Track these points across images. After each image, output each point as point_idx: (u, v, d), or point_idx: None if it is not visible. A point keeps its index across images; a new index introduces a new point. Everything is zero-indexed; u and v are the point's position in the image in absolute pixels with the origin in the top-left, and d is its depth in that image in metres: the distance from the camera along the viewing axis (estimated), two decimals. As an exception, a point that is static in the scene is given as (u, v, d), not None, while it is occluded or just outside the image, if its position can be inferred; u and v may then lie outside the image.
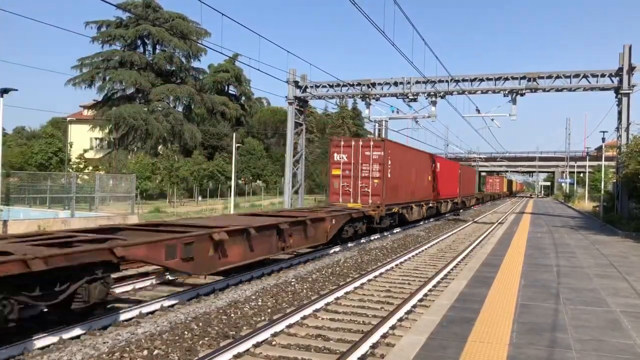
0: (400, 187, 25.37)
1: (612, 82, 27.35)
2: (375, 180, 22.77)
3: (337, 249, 18.40)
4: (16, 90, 19.33)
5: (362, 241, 21.01)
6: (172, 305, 9.95)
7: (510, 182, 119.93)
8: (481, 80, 29.49)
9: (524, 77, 28.55)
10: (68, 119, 69.35)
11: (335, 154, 23.40)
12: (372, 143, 23.27)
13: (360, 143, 23.25)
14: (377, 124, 34.03)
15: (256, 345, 7.71)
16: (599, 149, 52.73)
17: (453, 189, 40.28)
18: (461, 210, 45.45)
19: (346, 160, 23.06)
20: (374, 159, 22.78)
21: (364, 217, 20.61)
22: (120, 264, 9.16)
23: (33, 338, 7.51)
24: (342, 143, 23.62)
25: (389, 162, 23.59)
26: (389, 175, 23.51)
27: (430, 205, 32.85)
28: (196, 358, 7.05)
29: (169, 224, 12.96)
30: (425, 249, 19.70)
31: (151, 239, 9.47)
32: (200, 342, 7.87)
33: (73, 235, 9.66)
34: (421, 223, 31.40)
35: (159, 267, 11.24)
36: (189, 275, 11.84)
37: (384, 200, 22.71)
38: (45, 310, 8.30)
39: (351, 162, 22.96)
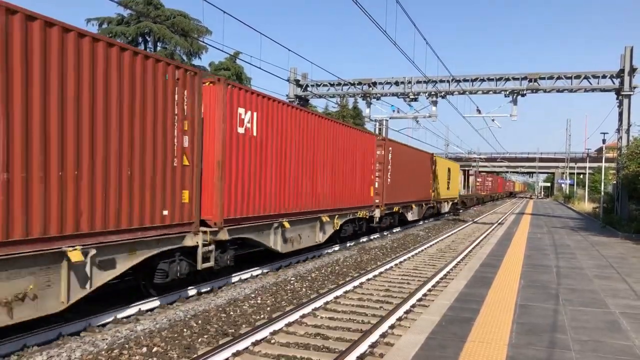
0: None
1: (613, 83, 27.33)
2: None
3: (336, 247, 18.40)
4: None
5: (361, 240, 21.01)
6: (172, 303, 9.95)
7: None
8: (482, 80, 29.49)
9: (525, 78, 28.54)
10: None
11: None
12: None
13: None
14: (377, 124, 34.04)
15: (255, 344, 7.71)
16: (599, 150, 52.77)
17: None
18: (461, 210, 45.68)
19: None
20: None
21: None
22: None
23: (32, 334, 7.50)
24: None
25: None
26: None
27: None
28: (195, 355, 7.05)
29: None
30: (425, 248, 19.71)
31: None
32: (200, 340, 7.88)
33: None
34: (420, 223, 31.41)
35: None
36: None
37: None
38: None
39: None
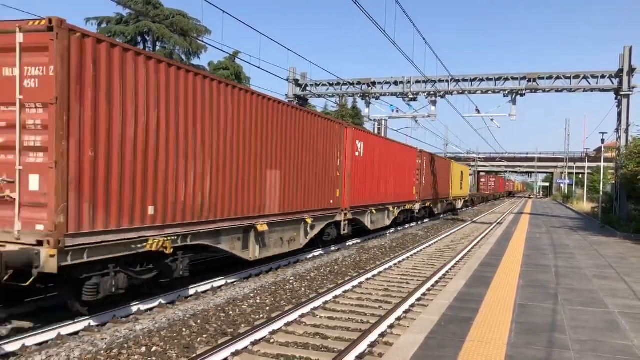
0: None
1: (612, 83, 27.35)
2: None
3: (345, 244, 18.50)
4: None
5: (360, 240, 21.04)
6: (171, 302, 9.95)
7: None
8: (481, 80, 29.50)
9: (524, 78, 28.56)
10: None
11: None
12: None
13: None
14: (376, 123, 34.06)
15: (254, 343, 7.70)
16: (598, 150, 52.80)
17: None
18: (469, 207, 46.83)
19: None
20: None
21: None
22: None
23: (30, 334, 7.50)
24: None
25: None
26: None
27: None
28: (194, 355, 7.04)
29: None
30: (424, 248, 19.71)
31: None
32: (199, 340, 7.87)
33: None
34: (420, 223, 31.41)
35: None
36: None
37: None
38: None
39: None
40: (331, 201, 16.80)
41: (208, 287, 11.24)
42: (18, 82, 7.32)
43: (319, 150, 15.78)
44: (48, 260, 7.11)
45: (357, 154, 18.52)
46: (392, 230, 25.07)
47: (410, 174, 27.13)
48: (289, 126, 13.83)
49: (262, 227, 12.49)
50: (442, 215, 37.75)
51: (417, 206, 28.34)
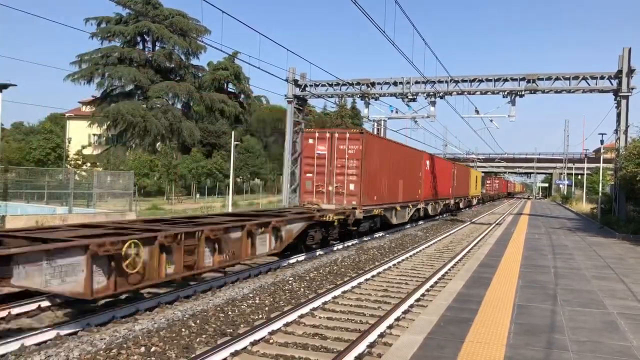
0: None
1: (612, 84, 27.36)
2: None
3: (345, 245, 18.53)
4: (15, 85, 19.30)
5: (358, 241, 21.03)
6: (170, 302, 9.95)
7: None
8: (480, 80, 29.49)
9: (523, 79, 28.56)
10: (66, 115, 69.25)
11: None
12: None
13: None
14: (375, 124, 34.05)
15: (253, 343, 7.71)
16: (598, 151, 52.82)
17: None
18: (475, 205, 50.16)
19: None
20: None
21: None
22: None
23: (30, 334, 7.50)
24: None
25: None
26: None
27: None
28: (193, 355, 7.04)
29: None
30: (423, 249, 19.72)
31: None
32: (198, 340, 7.87)
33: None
34: (419, 223, 31.42)
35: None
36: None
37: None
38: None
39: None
40: (417, 197, 28.78)
41: (207, 287, 11.25)
42: (346, 150, 19.64)
43: (414, 168, 28.26)
44: (358, 214, 19.14)
45: (426, 168, 31.12)
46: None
47: (449, 180, 39.38)
48: (404, 156, 26.38)
49: (397, 208, 24.63)
50: (442, 215, 40.36)
51: (451, 201, 40.88)
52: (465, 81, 29.70)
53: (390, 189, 23.57)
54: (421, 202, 29.72)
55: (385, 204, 22.83)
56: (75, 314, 8.87)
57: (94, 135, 66.04)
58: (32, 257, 7.29)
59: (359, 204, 19.60)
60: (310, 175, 20.26)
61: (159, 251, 9.35)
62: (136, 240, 8.73)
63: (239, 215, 15.75)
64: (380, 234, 23.68)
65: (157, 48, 62.57)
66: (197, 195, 49.98)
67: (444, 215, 40.33)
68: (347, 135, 20.18)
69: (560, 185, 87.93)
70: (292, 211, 17.56)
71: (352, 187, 19.76)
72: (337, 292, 11.25)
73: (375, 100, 31.80)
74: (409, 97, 30.31)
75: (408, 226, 28.90)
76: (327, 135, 20.19)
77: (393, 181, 24.02)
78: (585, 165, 58.74)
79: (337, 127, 53.20)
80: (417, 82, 30.25)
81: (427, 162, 31.52)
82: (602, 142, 34.13)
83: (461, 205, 47.73)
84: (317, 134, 20.46)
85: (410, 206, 27.38)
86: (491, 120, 31.14)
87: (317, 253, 16.99)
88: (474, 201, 59.49)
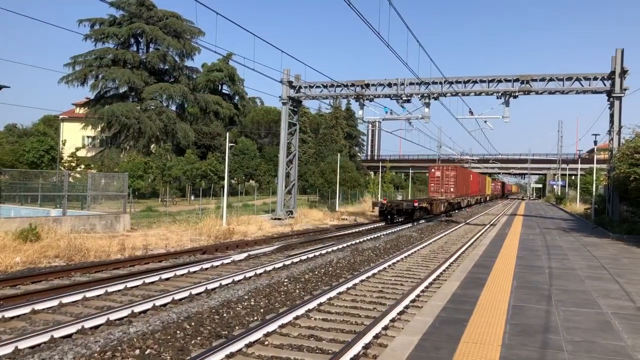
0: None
1: (605, 85, 27.51)
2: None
3: (339, 246, 18.49)
4: (8, 87, 19.23)
5: (354, 242, 21.09)
6: (165, 305, 9.92)
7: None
8: (474, 82, 29.61)
9: (517, 80, 28.69)
10: (60, 116, 68.92)
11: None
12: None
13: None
14: (370, 125, 34.19)
15: (249, 345, 7.69)
16: (591, 151, 53.02)
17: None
18: (456, 211, 50.09)
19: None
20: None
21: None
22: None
23: (23, 337, 7.45)
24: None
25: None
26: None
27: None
28: (188, 358, 7.02)
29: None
30: (418, 250, 19.74)
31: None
32: (193, 342, 7.85)
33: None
34: (414, 224, 31.53)
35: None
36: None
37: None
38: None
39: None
40: (469, 193, 51.40)
41: (202, 289, 11.22)
42: (449, 174, 45.47)
43: (468, 180, 51.92)
44: (452, 200, 45.05)
45: (471, 179, 54.85)
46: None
47: (477, 184, 61.73)
48: (466, 174, 52.04)
49: (464, 199, 50.64)
50: (415, 223, 41.49)
51: (479, 197, 65.15)
52: (460, 82, 29.80)
53: (462, 189, 48.22)
54: (469, 197, 55.21)
55: (460, 197, 48.02)
56: (70, 317, 8.83)
57: (88, 137, 65.78)
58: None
59: (453, 196, 44.95)
60: (433, 185, 45.72)
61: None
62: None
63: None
64: (376, 235, 23.74)
65: (151, 50, 62.37)
66: (192, 197, 49.85)
67: (442, 216, 40.52)
68: (449, 167, 46.64)
69: (554, 186, 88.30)
70: (427, 198, 41.11)
71: (452, 188, 45.04)
72: (333, 294, 11.24)
73: (370, 101, 31.88)
74: (404, 98, 30.40)
75: (406, 227, 28.96)
76: (441, 167, 46.73)
77: (463, 186, 49.48)
78: (579, 166, 59.04)
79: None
80: (411, 84, 30.33)
81: (471, 176, 58.06)
82: (595, 143, 34.28)
83: (481, 201, 72.06)
84: (436, 167, 47.37)
85: (468, 198, 54.23)
86: (485, 121, 31.28)
87: (312, 255, 16.99)
88: (488, 198, 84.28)
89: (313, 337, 8.29)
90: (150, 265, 14.81)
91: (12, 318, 8.79)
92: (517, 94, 28.55)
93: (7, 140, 61.52)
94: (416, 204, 32.64)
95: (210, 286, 11.50)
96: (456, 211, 48.02)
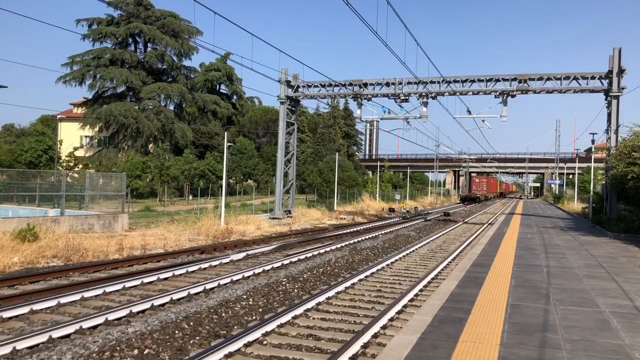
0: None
1: (602, 84, 27.55)
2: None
3: (337, 245, 18.53)
4: (6, 87, 19.19)
5: (352, 241, 21.10)
6: (163, 305, 9.91)
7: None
8: (472, 81, 29.62)
9: (514, 79, 28.71)
10: (58, 116, 68.78)
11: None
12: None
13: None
14: (368, 124, 34.21)
15: (247, 345, 7.68)
16: (589, 150, 53.14)
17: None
18: (452, 212, 48.43)
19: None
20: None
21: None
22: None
23: (21, 337, 7.44)
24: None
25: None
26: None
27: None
28: (187, 357, 7.02)
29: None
30: (416, 249, 19.75)
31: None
32: (191, 342, 7.84)
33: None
34: (412, 223, 31.56)
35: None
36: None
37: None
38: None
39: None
40: (491, 191, 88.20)
41: (200, 289, 11.22)
42: (482, 180, 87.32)
43: (491, 183, 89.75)
44: (482, 195, 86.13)
45: (491, 182, 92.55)
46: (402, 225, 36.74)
47: (494, 186, 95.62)
48: (489, 179, 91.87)
49: (489, 195, 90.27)
50: (413, 222, 42.98)
51: (495, 195, 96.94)
52: (457, 81, 29.82)
53: (488, 189, 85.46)
54: (491, 193, 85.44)
55: (487, 193, 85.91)
56: (67, 317, 8.83)
57: (86, 137, 65.76)
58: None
59: (484, 193, 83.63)
60: (474, 186, 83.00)
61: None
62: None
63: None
64: (375, 234, 23.75)
65: (148, 49, 62.33)
66: (190, 197, 49.83)
67: (439, 216, 40.59)
68: (483, 176, 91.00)
69: (552, 185, 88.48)
70: (474, 194, 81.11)
71: (484, 188, 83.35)
72: (331, 293, 11.24)
73: (368, 101, 31.87)
74: (401, 97, 30.40)
75: (404, 226, 28.98)
76: (479, 177, 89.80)
77: (488, 187, 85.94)
78: (577, 164, 59.10)
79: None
80: (409, 83, 30.34)
81: (491, 180, 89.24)
82: (593, 141, 34.36)
83: (496, 196, 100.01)
84: (476, 175, 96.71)
85: (491, 195, 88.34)
86: (483, 121, 31.38)
87: (310, 254, 17.01)
88: (499, 194, 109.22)
89: (312, 337, 8.30)
90: (148, 265, 14.79)
91: (10, 318, 8.78)
92: (514, 93, 28.57)
93: (5, 140, 61.47)
94: (476, 195, 77.00)
95: (208, 286, 11.50)
96: (483, 201, 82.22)
